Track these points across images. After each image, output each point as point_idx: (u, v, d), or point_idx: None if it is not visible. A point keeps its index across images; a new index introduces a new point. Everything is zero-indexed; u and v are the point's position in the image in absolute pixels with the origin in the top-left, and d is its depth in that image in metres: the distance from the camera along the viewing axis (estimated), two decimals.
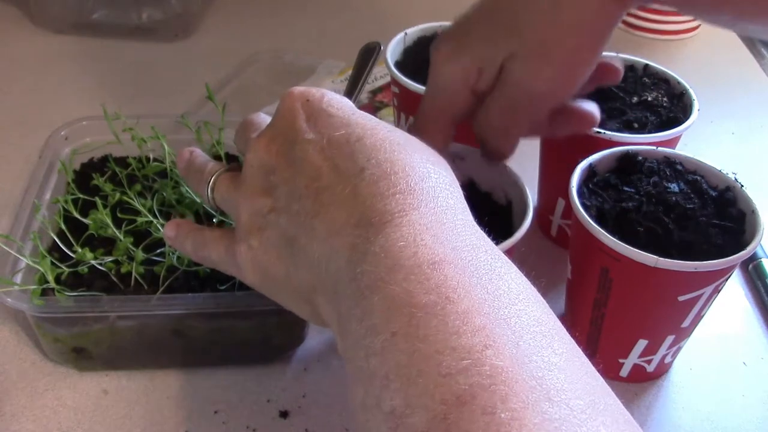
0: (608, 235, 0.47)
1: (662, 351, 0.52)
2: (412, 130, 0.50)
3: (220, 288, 0.50)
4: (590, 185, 0.52)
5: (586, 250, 0.50)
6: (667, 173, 0.52)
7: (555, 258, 0.63)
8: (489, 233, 0.50)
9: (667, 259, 0.46)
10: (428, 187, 0.36)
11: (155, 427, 0.49)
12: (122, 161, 0.61)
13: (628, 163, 0.53)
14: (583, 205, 0.50)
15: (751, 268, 0.63)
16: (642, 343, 0.51)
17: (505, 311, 0.30)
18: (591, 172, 0.53)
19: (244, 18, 0.97)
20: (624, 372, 0.54)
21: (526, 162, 0.69)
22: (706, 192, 0.51)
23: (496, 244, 0.47)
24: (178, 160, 0.49)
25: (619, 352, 0.53)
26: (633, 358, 0.52)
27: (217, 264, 0.45)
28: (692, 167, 0.53)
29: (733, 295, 0.62)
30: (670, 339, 0.51)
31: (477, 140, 0.50)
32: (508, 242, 0.47)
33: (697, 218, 0.49)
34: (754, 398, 0.54)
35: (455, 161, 0.54)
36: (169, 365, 0.53)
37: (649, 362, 0.53)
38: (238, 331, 0.52)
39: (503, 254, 0.35)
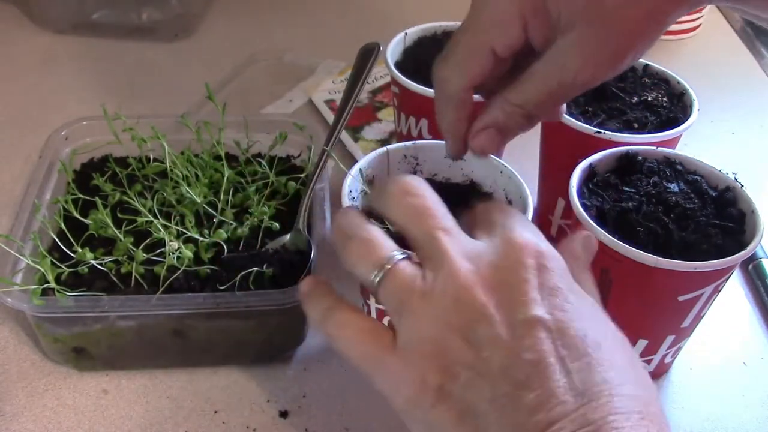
0: (608, 235, 0.47)
1: (662, 351, 0.52)
2: (438, 64, 0.44)
3: (220, 288, 0.50)
4: (590, 185, 0.52)
5: None
6: (667, 173, 0.52)
7: None
8: None
9: (667, 259, 0.46)
10: None
11: (155, 427, 0.49)
12: (122, 161, 0.61)
13: (628, 163, 0.53)
14: (583, 205, 0.50)
15: (751, 268, 0.63)
16: (642, 343, 0.51)
17: None
18: (591, 172, 0.53)
19: (244, 18, 0.97)
20: None
21: (526, 162, 0.69)
22: (706, 192, 0.51)
23: None
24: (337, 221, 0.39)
25: None
26: None
27: (351, 355, 0.36)
28: (692, 167, 0.53)
29: (733, 295, 0.62)
30: (670, 339, 0.51)
31: (487, 124, 0.45)
32: None
33: (697, 218, 0.49)
34: (754, 398, 0.54)
35: (455, 161, 0.54)
36: (169, 365, 0.53)
37: (649, 362, 0.53)
38: (238, 331, 0.52)
39: None
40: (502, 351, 0.32)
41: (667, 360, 0.54)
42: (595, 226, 0.48)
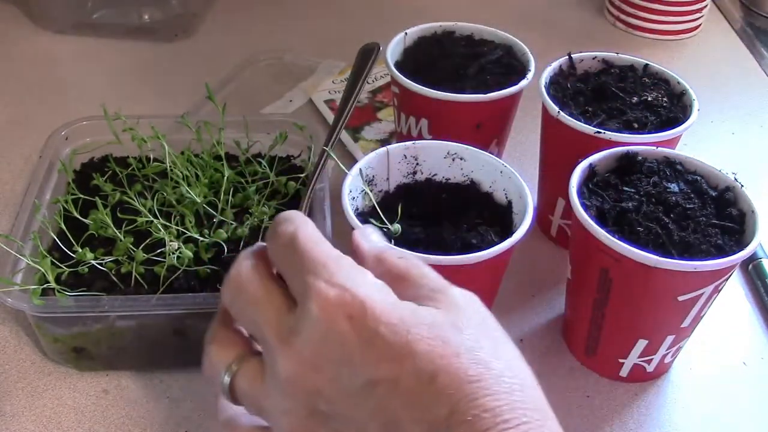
0: (608, 235, 0.47)
1: (662, 351, 0.52)
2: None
3: (220, 288, 0.50)
4: (590, 185, 0.52)
5: (586, 250, 0.50)
6: (667, 173, 0.52)
7: (555, 258, 0.63)
8: (489, 233, 0.50)
9: (666, 259, 0.46)
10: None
11: (155, 427, 0.49)
12: (122, 161, 0.61)
13: (628, 163, 0.53)
14: (583, 205, 0.50)
15: (751, 268, 0.63)
16: (642, 343, 0.51)
17: None
18: (591, 172, 0.53)
19: (244, 18, 0.97)
20: (624, 372, 0.54)
21: (526, 162, 0.69)
22: (706, 192, 0.51)
23: (496, 244, 0.47)
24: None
25: (619, 352, 0.53)
26: (633, 358, 0.52)
27: None
28: (692, 167, 0.53)
29: (733, 295, 0.62)
30: (670, 339, 0.51)
31: None
32: (508, 242, 0.47)
33: (697, 218, 0.49)
34: (754, 398, 0.54)
35: (455, 161, 0.54)
36: (169, 365, 0.53)
37: (649, 362, 0.53)
38: None
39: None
40: (351, 423, 0.32)
41: (667, 360, 0.54)
42: (595, 226, 0.48)
